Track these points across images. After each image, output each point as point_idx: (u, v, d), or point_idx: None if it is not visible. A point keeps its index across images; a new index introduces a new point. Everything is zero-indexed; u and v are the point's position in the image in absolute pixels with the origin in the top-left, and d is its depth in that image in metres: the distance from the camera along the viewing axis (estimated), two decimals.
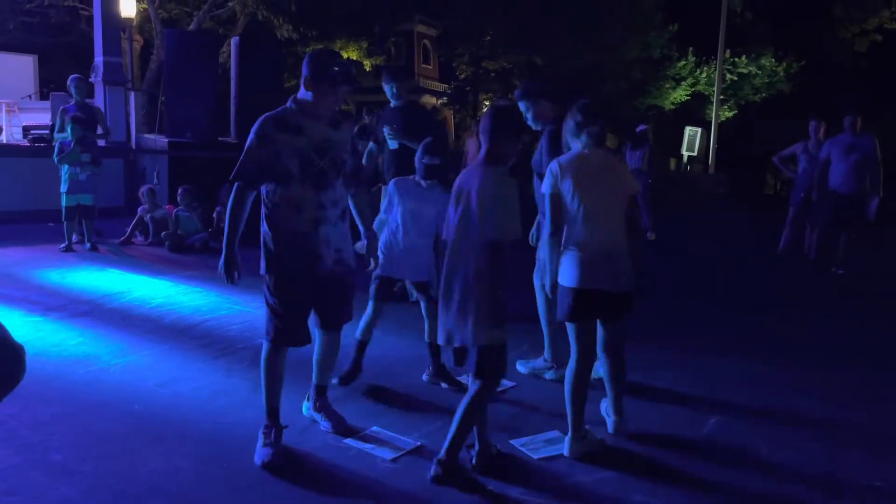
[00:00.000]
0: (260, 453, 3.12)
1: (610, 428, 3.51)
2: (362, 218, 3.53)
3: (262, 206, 3.20)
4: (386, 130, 5.66)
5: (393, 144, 5.72)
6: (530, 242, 4.36)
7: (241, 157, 3.12)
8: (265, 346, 3.25)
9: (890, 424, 3.82)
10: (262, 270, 3.22)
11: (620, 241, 3.27)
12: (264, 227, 3.21)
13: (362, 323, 4.06)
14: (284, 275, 3.18)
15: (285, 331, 3.20)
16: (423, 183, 4.01)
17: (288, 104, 3.17)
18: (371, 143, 6.17)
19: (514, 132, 3.02)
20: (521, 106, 4.21)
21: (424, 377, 4.15)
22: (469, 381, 3.04)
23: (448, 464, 2.94)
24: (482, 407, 3.02)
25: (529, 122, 4.20)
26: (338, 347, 3.48)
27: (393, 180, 4.13)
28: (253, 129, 3.11)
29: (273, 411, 3.25)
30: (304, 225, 3.14)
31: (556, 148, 3.88)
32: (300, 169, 3.10)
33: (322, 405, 3.51)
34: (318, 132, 3.14)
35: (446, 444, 2.94)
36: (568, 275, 3.27)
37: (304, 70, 3.13)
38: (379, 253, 3.91)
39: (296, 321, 3.21)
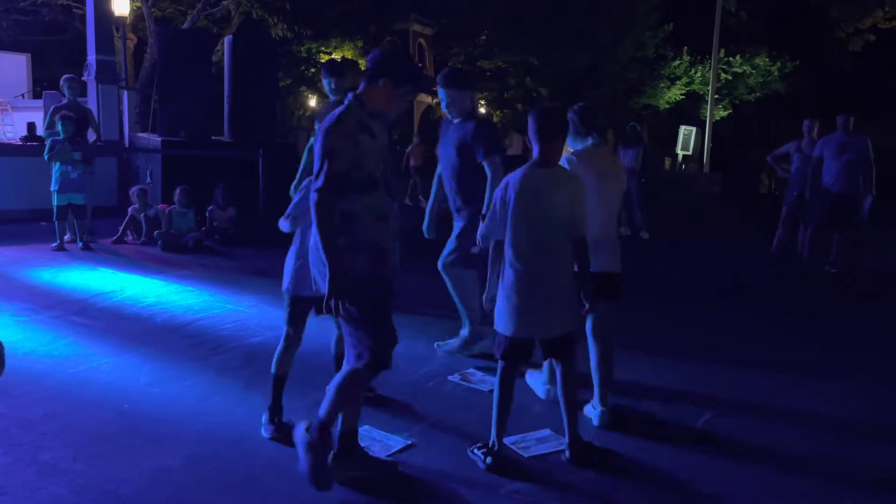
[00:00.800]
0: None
1: (595, 421, 3.57)
2: None
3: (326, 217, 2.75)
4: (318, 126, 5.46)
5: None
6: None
7: (326, 163, 2.70)
8: (356, 370, 2.82)
9: (886, 420, 3.84)
10: (330, 291, 2.71)
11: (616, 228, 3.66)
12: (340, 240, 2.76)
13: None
14: (378, 293, 2.82)
15: (385, 353, 2.83)
16: None
17: (352, 102, 2.83)
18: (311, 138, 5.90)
19: (562, 132, 3.19)
20: (441, 94, 4.34)
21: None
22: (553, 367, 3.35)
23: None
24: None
25: (445, 109, 4.35)
26: None
27: None
28: (331, 131, 2.74)
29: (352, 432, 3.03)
30: (388, 238, 2.85)
31: (491, 139, 4.22)
32: (381, 175, 2.86)
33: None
34: (383, 136, 2.91)
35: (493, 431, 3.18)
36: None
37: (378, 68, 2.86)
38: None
39: (391, 340, 2.87)
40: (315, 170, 2.75)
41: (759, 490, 3.06)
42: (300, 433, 2.80)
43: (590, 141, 3.48)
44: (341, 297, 2.67)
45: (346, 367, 2.86)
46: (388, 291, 2.88)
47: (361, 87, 2.88)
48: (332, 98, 5.60)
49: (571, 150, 3.54)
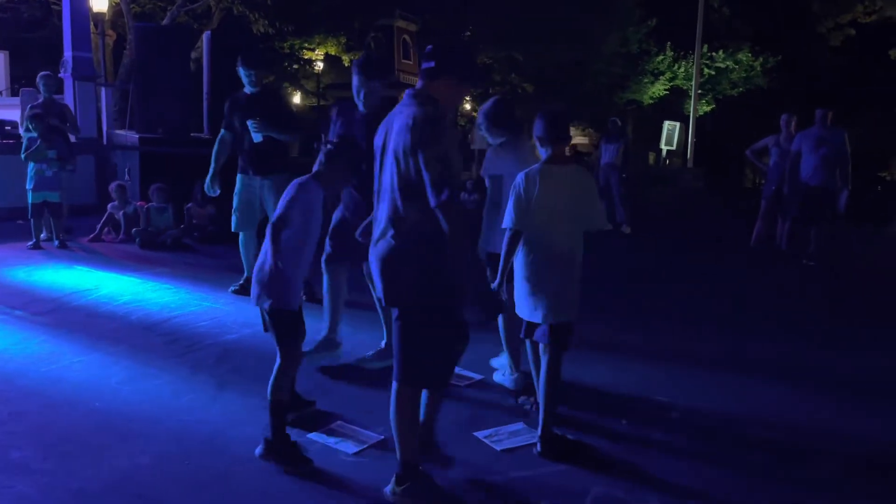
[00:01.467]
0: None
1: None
2: None
3: (407, 222, 2.64)
4: (250, 123, 5.38)
5: (257, 137, 5.41)
6: None
7: (443, 166, 2.54)
8: (406, 391, 2.80)
9: (858, 411, 3.87)
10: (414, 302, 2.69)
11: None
12: (417, 248, 2.64)
13: None
14: (453, 304, 2.71)
15: (447, 373, 2.88)
16: None
17: (428, 101, 2.67)
18: (223, 131, 5.77)
19: (567, 132, 3.33)
20: (355, 81, 4.02)
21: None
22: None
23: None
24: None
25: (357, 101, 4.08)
26: None
27: None
28: (437, 128, 2.58)
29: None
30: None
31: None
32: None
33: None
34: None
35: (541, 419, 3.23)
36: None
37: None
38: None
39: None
40: (434, 179, 2.51)
41: (727, 484, 3.08)
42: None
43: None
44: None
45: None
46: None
47: (420, 84, 2.71)
48: (248, 90, 5.55)
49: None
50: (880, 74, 21.94)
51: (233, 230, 5.77)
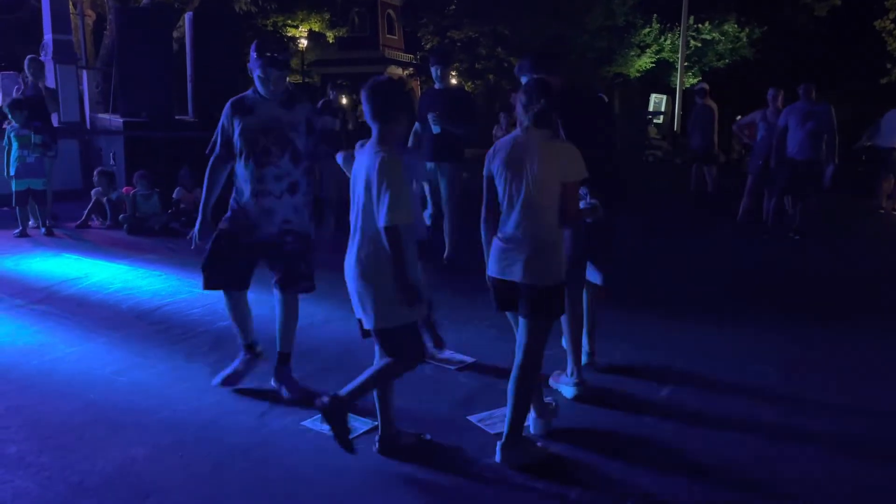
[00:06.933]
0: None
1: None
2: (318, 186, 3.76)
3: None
4: (430, 116, 5.84)
5: (436, 129, 5.87)
6: None
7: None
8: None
9: (839, 391, 3.94)
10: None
11: (544, 231, 2.97)
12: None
13: None
14: (223, 232, 3.58)
15: (208, 278, 3.63)
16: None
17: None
18: (416, 124, 6.22)
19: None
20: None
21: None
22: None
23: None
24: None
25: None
26: (293, 314, 3.68)
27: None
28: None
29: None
30: (244, 196, 3.55)
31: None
32: (247, 146, 3.50)
33: (280, 374, 3.67)
34: (267, 112, 3.51)
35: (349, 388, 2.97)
36: (489, 263, 3.11)
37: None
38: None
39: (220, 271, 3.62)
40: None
41: (713, 465, 3.14)
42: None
43: (525, 121, 3.05)
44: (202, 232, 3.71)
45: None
46: (237, 241, 3.61)
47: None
48: (438, 85, 6.08)
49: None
50: (866, 45, 21.94)
51: None
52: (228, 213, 3.62)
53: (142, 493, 2.78)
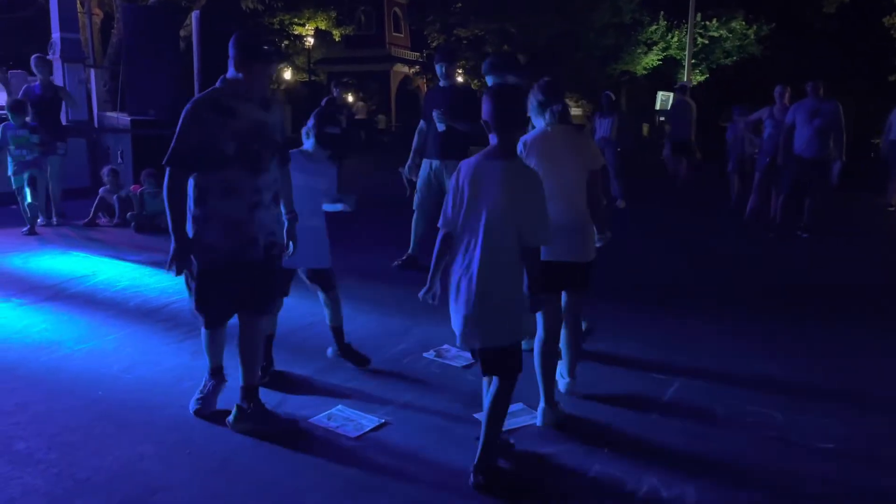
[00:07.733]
0: (192, 404, 3.41)
1: (562, 388, 3.63)
2: (287, 199, 3.45)
3: (191, 191, 3.16)
4: (435, 114, 5.91)
5: (441, 126, 5.93)
6: None
7: (174, 142, 3.08)
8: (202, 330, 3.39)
9: (845, 386, 3.93)
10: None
11: (582, 215, 3.37)
12: (195, 211, 3.16)
13: None
14: (214, 260, 3.16)
15: (208, 317, 3.32)
16: (313, 154, 3.81)
17: (218, 84, 3.16)
18: (421, 122, 6.32)
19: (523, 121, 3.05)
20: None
21: (329, 353, 4.08)
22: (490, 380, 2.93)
23: (487, 468, 2.82)
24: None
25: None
26: (261, 337, 3.40)
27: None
28: (184, 112, 3.09)
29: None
30: (241, 210, 3.14)
31: None
32: (236, 152, 3.08)
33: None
34: (251, 114, 3.14)
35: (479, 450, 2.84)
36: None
37: (234, 51, 3.13)
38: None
39: (217, 306, 3.30)
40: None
41: (721, 460, 3.13)
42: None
43: (547, 116, 3.36)
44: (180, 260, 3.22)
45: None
46: (233, 263, 3.19)
47: (230, 71, 3.17)
48: (442, 83, 6.16)
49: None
50: (874, 41, 21.80)
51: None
52: (214, 235, 3.14)
53: (149, 490, 2.79)
